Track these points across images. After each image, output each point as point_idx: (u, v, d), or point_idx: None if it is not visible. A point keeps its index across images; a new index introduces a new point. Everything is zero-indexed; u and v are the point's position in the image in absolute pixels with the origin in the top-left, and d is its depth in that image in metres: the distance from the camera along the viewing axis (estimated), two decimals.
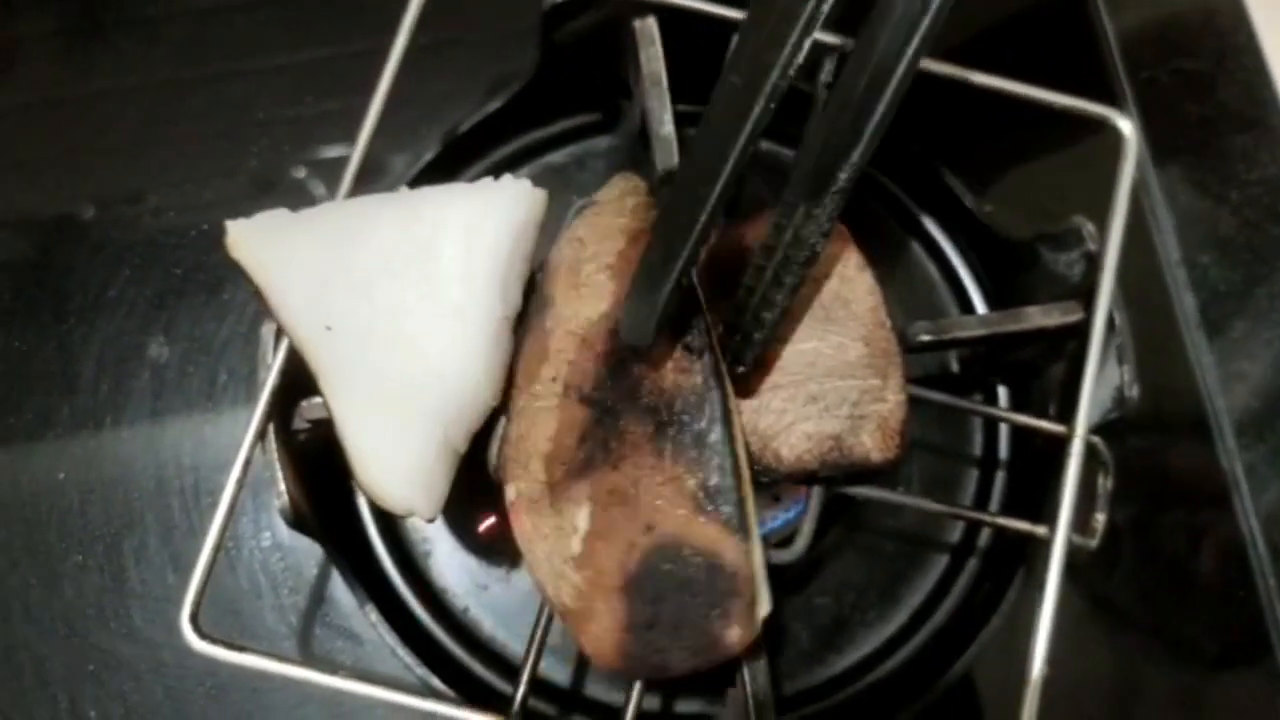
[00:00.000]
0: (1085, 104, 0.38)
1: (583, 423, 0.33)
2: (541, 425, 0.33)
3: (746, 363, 0.34)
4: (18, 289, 0.48)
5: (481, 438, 0.35)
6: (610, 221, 0.35)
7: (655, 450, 0.32)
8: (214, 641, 0.33)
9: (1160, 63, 0.55)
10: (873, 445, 0.34)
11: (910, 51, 0.28)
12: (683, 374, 0.32)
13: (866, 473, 0.35)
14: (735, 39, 0.32)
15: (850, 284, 0.35)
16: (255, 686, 0.43)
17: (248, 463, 0.35)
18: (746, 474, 0.32)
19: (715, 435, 0.32)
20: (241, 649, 0.33)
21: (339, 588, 0.44)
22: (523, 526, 0.33)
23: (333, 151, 0.51)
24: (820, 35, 0.39)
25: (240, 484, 0.35)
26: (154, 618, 0.44)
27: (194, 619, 0.33)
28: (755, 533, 0.32)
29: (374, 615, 0.42)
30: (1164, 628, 0.45)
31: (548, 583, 0.33)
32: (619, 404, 0.32)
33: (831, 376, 0.34)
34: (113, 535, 0.45)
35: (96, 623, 0.44)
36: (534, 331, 0.35)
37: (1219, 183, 0.53)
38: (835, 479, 0.36)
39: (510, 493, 0.34)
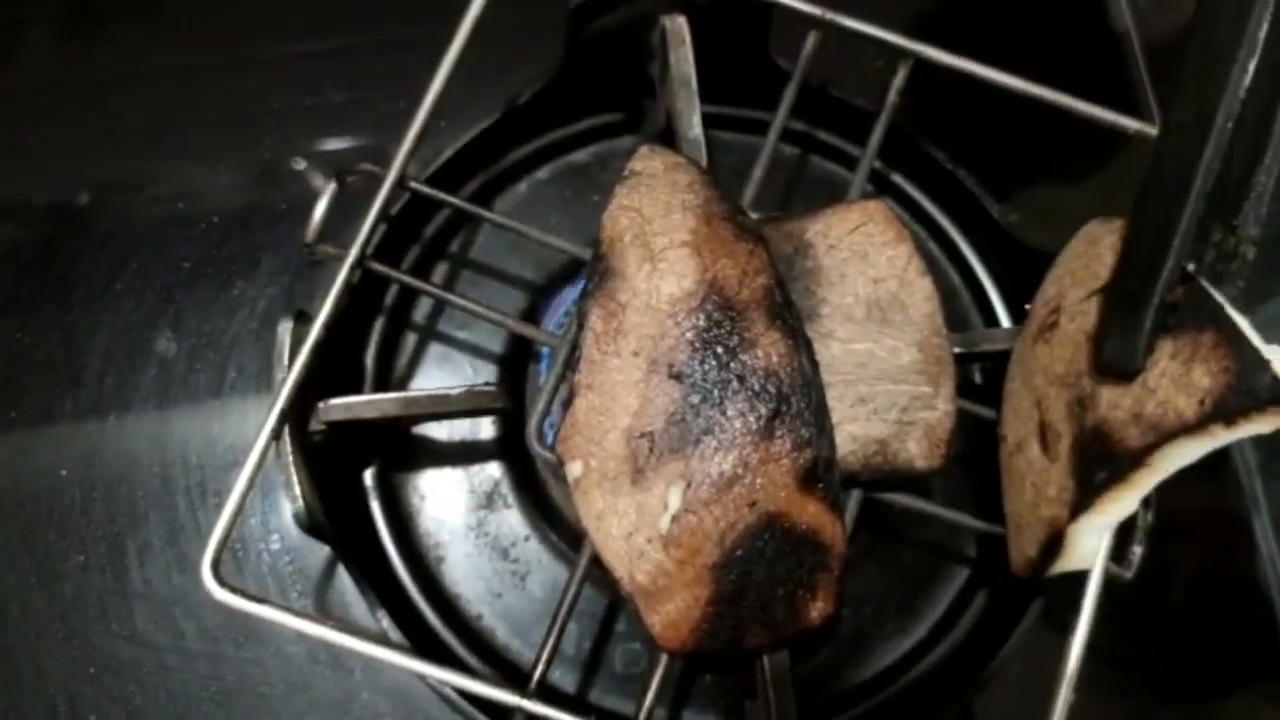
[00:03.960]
0: (1155, 131, 0.38)
1: (674, 400, 0.32)
2: (622, 400, 0.32)
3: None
4: (21, 278, 0.47)
5: None
6: (669, 196, 0.35)
7: (763, 430, 0.32)
8: (233, 590, 0.33)
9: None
10: (918, 453, 0.34)
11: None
12: (783, 356, 0.32)
13: (904, 481, 0.35)
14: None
15: (910, 288, 0.35)
16: (261, 692, 0.42)
17: (265, 451, 0.34)
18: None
19: (822, 418, 0.32)
20: (260, 600, 0.33)
21: (350, 592, 0.43)
22: (592, 504, 0.32)
23: (340, 143, 0.50)
24: (894, 39, 0.39)
25: (265, 452, 0.34)
26: (158, 620, 0.43)
27: (215, 566, 0.33)
28: (845, 509, 0.33)
29: (386, 621, 0.41)
30: (1178, 650, 0.45)
31: (620, 562, 0.32)
32: (717, 384, 0.32)
33: (883, 380, 0.34)
34: (116, 534, 0.44)
35: (98, 624, 0.43)
36: (604, 304, 0.34)
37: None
38: (875, 484, 0.35)
39: (576, 469, 0.33)
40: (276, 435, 0.35)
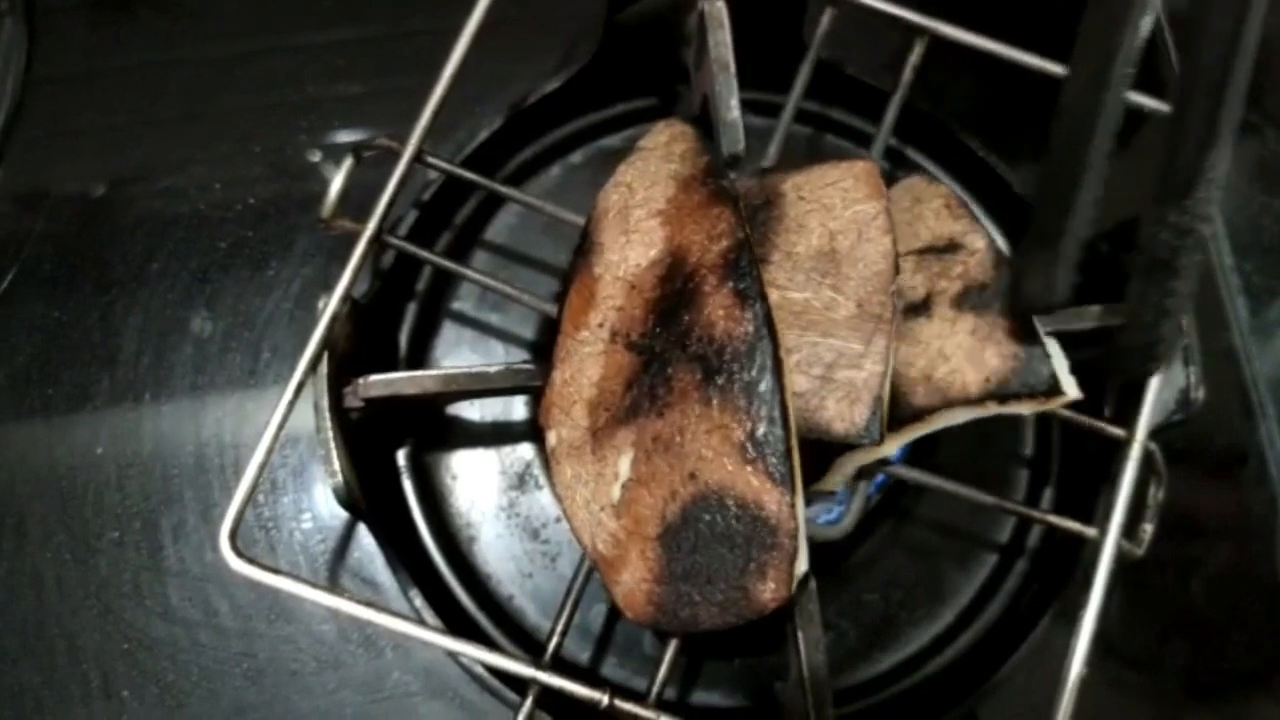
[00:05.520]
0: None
1: (629, 369, 0.32)
2: (587, 371, 0.33)
3: (1156, 366, 0.34)
4: (59, 259, 0.47)
5: None
6: (659, 167, 0.35)
7: (703, 399, 0.31)
8: (250, 561, 0.33)
9: None
10: (836, 414, 0.32)
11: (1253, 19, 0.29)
12: (734, 321, 0.31)
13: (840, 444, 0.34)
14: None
15: (868, 244, 0.34)
16: (293, 669, 0.42)
17: (288, 411, 0.35)
18: (794, 426, 0.31)
19: (765, 385, 0.30)
20: (276, 571, 0.33)
21: (382, 572, 0.43)
22: (563, 473, 0.33)
23: (374, 130, 0.50)
24: (910, 15, 0.39)
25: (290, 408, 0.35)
26: (191, 597, 0.43)
27: (233, 537, 0.33)
28: (799, 487, 0.30)
29: (419, 600, 0.41)
30: (1206, 648, 0.45)
31: (584, 530, 0.32)
32: (667, 351, 0.32)
33: (811, 331, 0.33)
34: (150, 512, 0.44)
35: (132, 601, 0.43)
36: (582, 277, 0.34)
37: (1262, 190, 0.52)
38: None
39: (551, 439, 0.33)
40: (299, 391, 0.36)
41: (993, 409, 0.33)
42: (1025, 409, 0.33)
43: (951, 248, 0.35)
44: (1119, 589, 0.44)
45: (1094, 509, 0.44)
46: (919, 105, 0.48)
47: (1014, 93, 0.44)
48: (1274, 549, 0.46)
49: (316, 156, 0.49)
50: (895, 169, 0.50)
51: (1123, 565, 0.37)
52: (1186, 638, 0.45)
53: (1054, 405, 0.33)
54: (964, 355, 0.33)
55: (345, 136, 0.50)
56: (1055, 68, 0.39)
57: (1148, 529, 0.38)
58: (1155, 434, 0.38)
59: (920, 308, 0.34)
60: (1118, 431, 0.37)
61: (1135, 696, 0.44)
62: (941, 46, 0.40)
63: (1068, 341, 0.42)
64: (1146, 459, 0.37)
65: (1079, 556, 0.43)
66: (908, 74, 0.40)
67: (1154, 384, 0.37)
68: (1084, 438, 0.43)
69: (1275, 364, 0.49)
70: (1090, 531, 0.37)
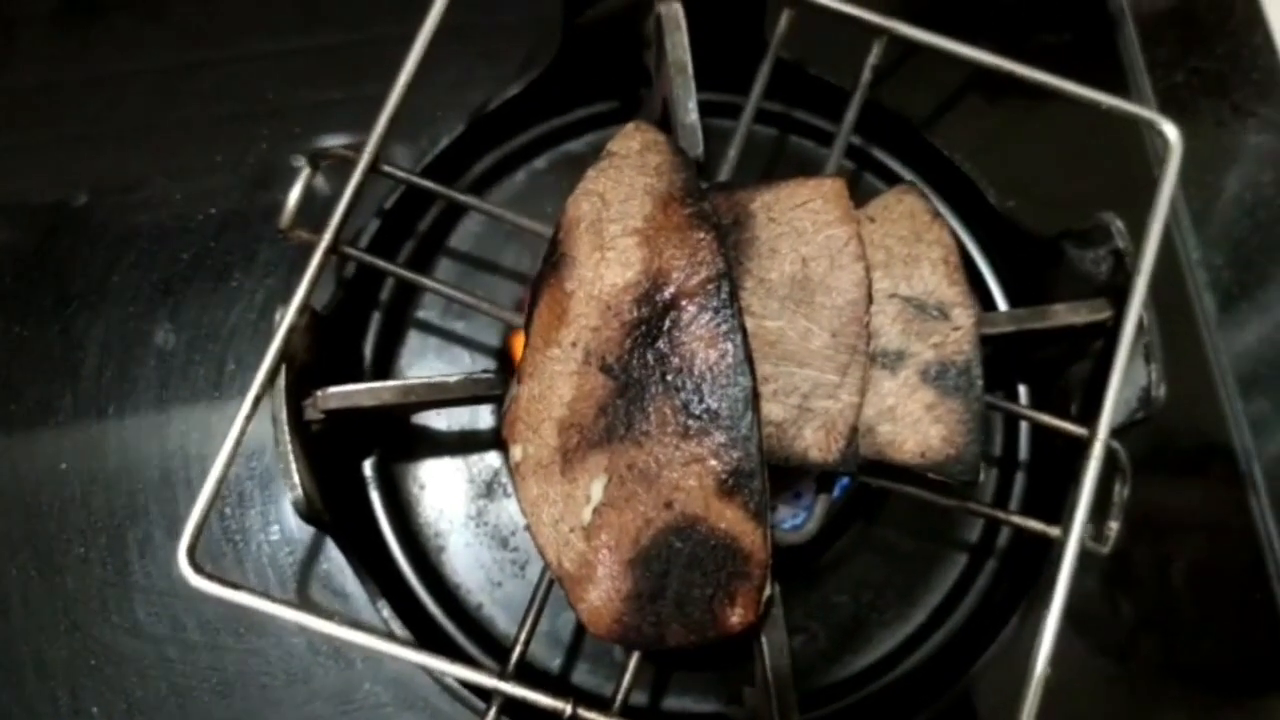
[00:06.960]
0: (1131, 106, 0.38)
1: (603, 393, 0.32)
2: (558, 390, 0.32)
3: None
4: (19, 273, 0.47)
5: None
6: (633, 179, 0.34)
7: (681, 430, 0.31)
8: (209, 577, 0.33)
9: (1177, 62, 0.55)
10: (813, 442, 0.33)
11: None
12: (714, 354, 0.31)
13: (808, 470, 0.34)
14: None
15: (840, 271, 0.34)
16: (263, 683, 0.42)
17: (244, 426, 0.35)
18: (763, 458, 0.31)
19: (746, 420, 0.31)
20: (236, 586, 0.33)
21: (350, 583, 0.43)
22: (528, 490, 0.33)
23: (336, 139, 0.50)
24: (868, 16, 0.39)
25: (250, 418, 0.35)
26: (158, 612, 0.43)
27: (191, 553, 0.33)
28: (768, 518, 0.31)
29: (386, 611, 0.41)
30: (1179, 642, 0.45)
31: (550, 547, 0.32)
32: (645, 379, 0.32)
33: (788, 361, 0.33)
34: (116, 527, 0.44)
35: (99, 616, 0.43)
36: (552, 290, 0.33)
37: (1236, 184, 0.53)
38: (867, 470, 0.35)
39: (516, 453, 0.33)
40: (255, 405, 0.35)
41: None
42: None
43: (939, 313, 0.35)
44: (1094, 582, 0.44)
45: (1061, 506, 0.44)
46: (883, 103, 0.48)
47: (975, 90, 0.44)
48: (1244, 541, 0.46)
49: (300, 162, 0.49)
50: (860, 168, 0.50)
51: (1093, 562, 0.37)
52: (1160, 629, 0.45)
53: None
54: (911, 423, 0.34)
55: (309, 144, 0.50)
56: (1011, 65, 0.39)
57: (1113, 527, 0.38)
58: (1119, 432, 0.38)
59: (889, 360, 0.34)
60: (1080, 431, 0.37)
61: (1108, 687, 0.44)
62: (906, 46, 0.40)
63: (1031, 340, 0.42)
64: (1110, 457, 0.37)
65: (1049, 554, 0.43)
66: (867, 74, 0.40)
67: (1114, 381, 0.37)
68: (1052, 436, 0.43)
69: (1243, 358, 0.49)
70: (1054, 531, 0.37)
